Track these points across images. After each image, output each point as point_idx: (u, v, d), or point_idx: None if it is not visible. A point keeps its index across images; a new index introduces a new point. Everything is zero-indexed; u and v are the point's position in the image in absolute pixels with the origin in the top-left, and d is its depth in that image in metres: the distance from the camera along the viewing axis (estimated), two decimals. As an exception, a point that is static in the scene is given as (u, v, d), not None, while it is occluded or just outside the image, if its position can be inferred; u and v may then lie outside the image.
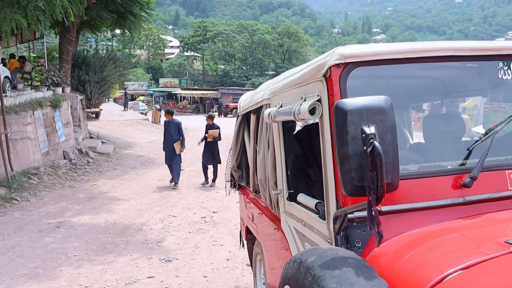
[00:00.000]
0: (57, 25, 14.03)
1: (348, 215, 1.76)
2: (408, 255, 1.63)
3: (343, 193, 1.61)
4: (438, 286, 1.35)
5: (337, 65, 1.84)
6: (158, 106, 29.68)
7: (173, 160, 9.82)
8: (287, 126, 2.67)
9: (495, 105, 2.60)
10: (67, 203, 8.24)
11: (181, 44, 70.26)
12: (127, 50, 58.86)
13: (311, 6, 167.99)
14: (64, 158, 11.73)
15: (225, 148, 12.09)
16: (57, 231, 6.56)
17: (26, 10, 9.26)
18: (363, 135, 1.46)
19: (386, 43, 2.12)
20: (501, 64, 2.05)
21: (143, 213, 7.71)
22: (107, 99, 23.24)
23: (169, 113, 10.12)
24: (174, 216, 7.54)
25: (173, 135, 9.77)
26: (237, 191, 4.50)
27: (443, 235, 1.72)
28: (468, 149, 2.00)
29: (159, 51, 65.98)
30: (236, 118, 4.13)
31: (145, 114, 31.53)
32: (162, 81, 56.81)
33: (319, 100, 1.93)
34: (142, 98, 45.36)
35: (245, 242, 4.35)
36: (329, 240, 1.93)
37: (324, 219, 1.99)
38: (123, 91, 33.21)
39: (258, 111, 3.19)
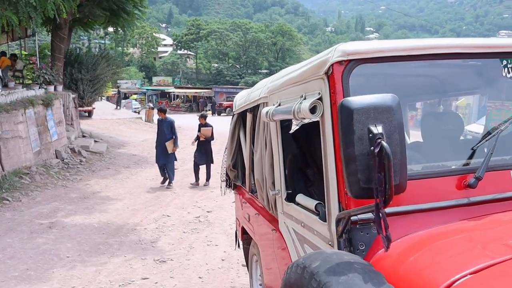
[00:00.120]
0: (49, 22, 13.85)
1: (352, 217, 1.71)
2: (413, 257, 1.59)
3: (348, 195, 1.55)
4: None
5: (340, 62, 1.78)
6: (151, 105, 29.57)
7: (167, 159, 9.76)
8: (284, 125, 2.61)
9: (498, 103, 2.56)
10: (59, 203, 8.13)
11: (175, 43, 69.96)
12: (120, 48, 58.42)
13: (304, 5, 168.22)
14: (57, 157, 11.59)
15: (219, 148, 12.12)
16: (49, 231, 6.45)
17: (17, 6, 9.13)
18: (370, 135, 1.41)
19: (388, 40, 2.06)
20: (505, 61, 2.01)
21: (136, 213, 7.62)
22: (100, 97, 23.11)
23: (162, 111, 10.05)
24: (168, 216, 7.46)
25: (165, 134, 9.71)
26: (232, 191, 4.44)
27: (448, 237, 1.68)
28: (472, 149, 1.96)
29: (152, 49, 65.61)
30: (231, 116, 4.06)
31: (138, 113, 31.33)
32: (155, 79, 56.72)
33: (320, 99, 1.88)
34: (135, 96, 45.19)
35: (240, 242, 4.30)
36: (330, 242, 1.88)
37: (325, 221, 1.93)
38: (116, 90, 33.00)
39: (254, 109, 3.12)
